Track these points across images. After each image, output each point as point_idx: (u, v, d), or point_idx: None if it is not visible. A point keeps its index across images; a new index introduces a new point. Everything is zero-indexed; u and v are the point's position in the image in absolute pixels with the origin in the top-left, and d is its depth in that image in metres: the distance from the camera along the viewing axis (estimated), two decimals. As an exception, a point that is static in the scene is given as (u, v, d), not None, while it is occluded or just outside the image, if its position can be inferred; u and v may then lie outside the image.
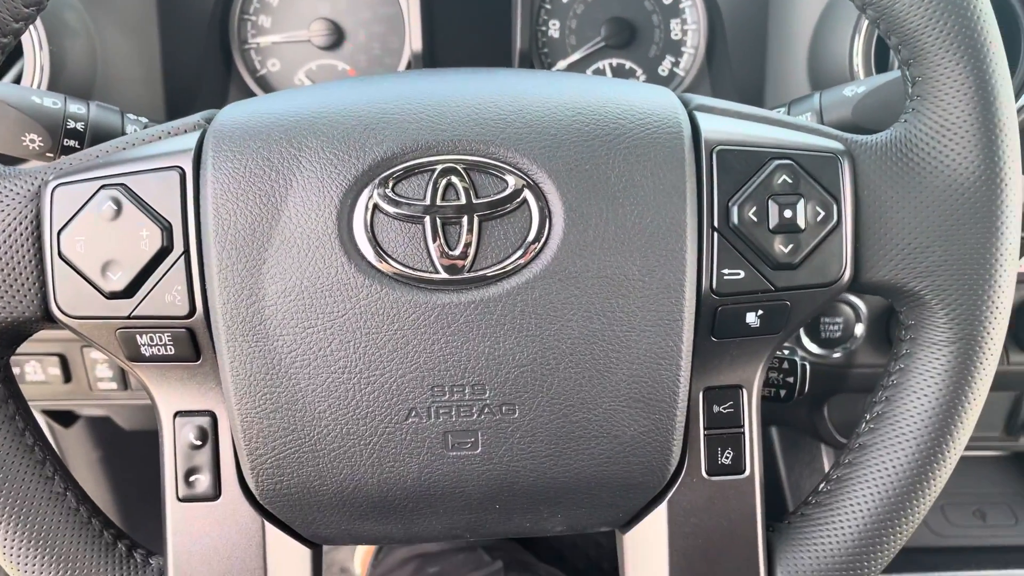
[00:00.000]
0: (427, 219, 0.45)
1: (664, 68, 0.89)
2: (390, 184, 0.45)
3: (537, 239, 0.45)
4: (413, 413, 0.46)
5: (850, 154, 0.48)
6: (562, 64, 0.89)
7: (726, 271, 0.47)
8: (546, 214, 0.46)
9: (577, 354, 0.46)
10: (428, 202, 0.45)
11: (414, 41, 0.86)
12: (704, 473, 0.49)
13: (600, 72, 0.89)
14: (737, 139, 0.47)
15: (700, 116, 0.49)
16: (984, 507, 1.10)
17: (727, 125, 0.49)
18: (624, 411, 0.47)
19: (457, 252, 0.45)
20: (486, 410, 0.46)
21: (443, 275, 0.45)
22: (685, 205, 0.46)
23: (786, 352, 0.57)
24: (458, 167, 0.45)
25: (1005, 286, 0.47)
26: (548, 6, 0.88)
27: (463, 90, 0.48)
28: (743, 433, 0.50)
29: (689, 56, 0.89)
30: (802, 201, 0.47)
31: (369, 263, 0.45)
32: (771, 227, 0.47)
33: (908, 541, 1.09)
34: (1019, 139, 0.48)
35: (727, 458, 0.49)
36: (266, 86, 0.89)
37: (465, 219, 0.45)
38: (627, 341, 0.46)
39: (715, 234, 0.47)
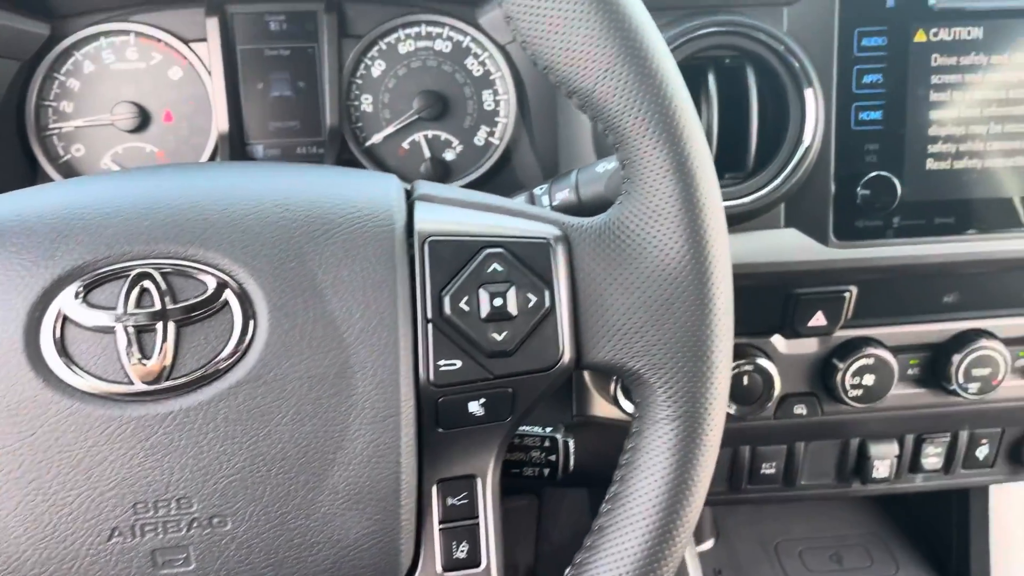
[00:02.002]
0: (119, 328, 0.43)
1: (480, 138, 0.90)
2: (82, 293, 0.44)
3: (240, 342, 0.44)
4: (116, 532, 0.44)
5: (567, 238, 0.48)
6: (377, 137, 0.89)
7: (442, 362, 0.46)
8: (249, 315, 0.45)
9: (289, 459, 0.45)
10: (120, 310, 0.44)
11: (220, 121, 0.85)
12: (439, 569, 0.48)
13: (416, 144, 0.89)
14: (450, 229, 0.47)
15: (419, 206, 0.49)
16: (841, 550, 1.12)
17: (443, 215, 0.48)
18: (344, 514, 0.45)
19: (153, 361, 0.44)
20: (195, 524, 0.44)
21: (139, 386, 0.44)
22: (396, 298, 0.46)
23: (548, 430, 0.57)
24: (153, 272, 0.44)
25: (721, 363, 0.48)
26: (359, 81, 0.88)
27: (167, 189, 0.47)
28: (479, 524, 0.49)
29: (503, 125, 0.90)
30: (513, 288, 0.47)
31: (59, 378, 0.43)
32: (483, 316, 0.46)
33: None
34: (724, 217, 0.48)
35: (463, 551, 0.48)
36: (71, 172, 0.86)
37: (160, 325, 0.44)
38: (343, 441, 0.45)
39: (429, 325, 0.46)
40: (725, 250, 0.48)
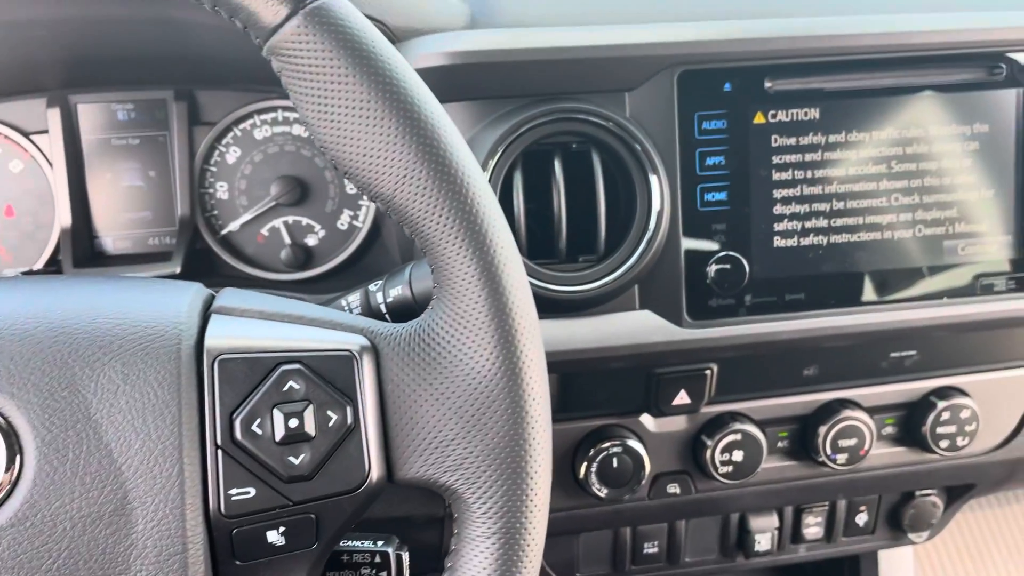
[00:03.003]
0: None
1: (343, 222, 0.88)
2: None
3: (3, 483, 0.41)
4: None
5: (374, 348, 0.46)
6: (234, 225, 0.86)
7: (234, 491, 0.43)
8: (15, 452, 0.41)
9: (61, 608, 0.41)
10: None
11: (62, 216, 0.81)
12: None
13: (276, 230, 0.87)
14: (242, 345, 0.45)
15: (214, 320, 0.46)
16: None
17: (238, 329, 0.46)
18: (126, 665, 0.41)
19: (-103, 511, 0.39)
20: None
21: None
22: (180, 426, 0.42)
23: (379, 544, 0.54)
24: (-99, 412, 0.40)
25: (538, 474, 0.46)
26: (213, 169, 0.86)
27: None
28: (287, 660, 0.45)
29: (366, 208, 0.88)
30: (311, 407, 0.44)
31: None
32: (278, 439, 0.44)
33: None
34: (536, 320, 0.47)
35: None
36: (-100, 272, 0.81)
37: (-91, 470, 0.40)
38: (123, 585, 0.41)
39: (219, 452, 0.43)
40: (538, 354, 0.46)
